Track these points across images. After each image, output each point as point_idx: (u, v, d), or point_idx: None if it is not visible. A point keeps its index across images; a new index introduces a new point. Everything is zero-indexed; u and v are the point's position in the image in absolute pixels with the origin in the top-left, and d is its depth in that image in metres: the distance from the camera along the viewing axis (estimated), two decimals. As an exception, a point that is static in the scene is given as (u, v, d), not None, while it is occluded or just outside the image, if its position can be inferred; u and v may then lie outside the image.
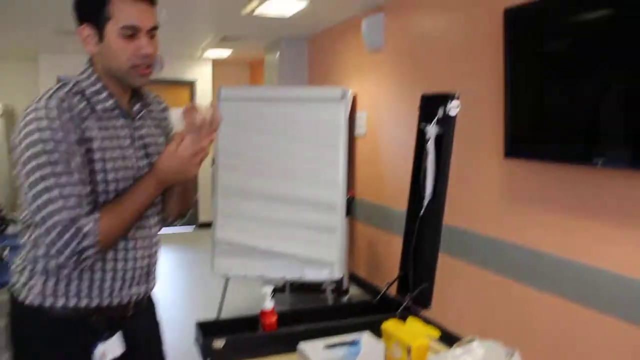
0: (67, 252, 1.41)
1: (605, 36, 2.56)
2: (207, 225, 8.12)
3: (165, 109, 1.85)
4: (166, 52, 7.90)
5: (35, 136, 1.40)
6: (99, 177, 1.49)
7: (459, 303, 3.83)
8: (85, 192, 1.44)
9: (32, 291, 1.52)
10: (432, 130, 2.05)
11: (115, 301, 1.59)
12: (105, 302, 1.57)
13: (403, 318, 1.85)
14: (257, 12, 4.95)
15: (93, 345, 1.55)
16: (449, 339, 1.80)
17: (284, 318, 1.91)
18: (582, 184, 2.84)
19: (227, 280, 4.20)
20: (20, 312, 1.56)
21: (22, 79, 7.90)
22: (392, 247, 4.75)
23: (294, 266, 3.87)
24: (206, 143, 1.51)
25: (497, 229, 3.46)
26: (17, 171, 1.46)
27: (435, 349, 1.71)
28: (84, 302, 1.54)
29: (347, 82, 5.63)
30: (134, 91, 1.66)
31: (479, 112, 3.56)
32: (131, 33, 1.50)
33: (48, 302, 1.52)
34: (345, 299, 5.11)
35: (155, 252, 1.73)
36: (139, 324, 1.69)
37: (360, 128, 5.39)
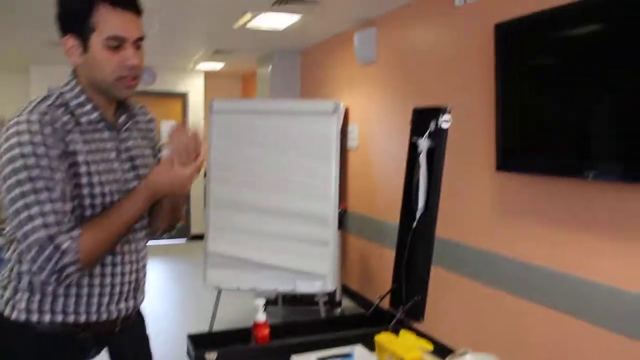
0: (47, 269, 1.38)
1: (596, 50, 2.59)
2: (199, 237, 8.08)
3: (151, 120, 1.82)
4: (158, 64, 7.94)
5: (16, 151, 1.37)
6: (85, 191, 1.46)
7: (451, 315, 3.83)
8: (67, 208, 1.41)
9: (17, 307, 1.48)
10: (424, 143, 2.07)
11: (103, 317, 1.55)
12: (93, 318, 1.53)
13: (396, 331, 1.85)
14: (249, 25, 4.98)
15: None
16: (442, 351, 1.80)
17: (276, 331, 1.91)
18: (573, 196, 2.86)
19: (219, 292, 4.19)
20: (5, 327, 1.51)
21: (14, 89, 7.89)
22: (384, 259, 4.75)
23: (286, 278, 3.87)
24: (198, 161, 1.50)
25: (489, 242, 3.47)
26: None
27: (428, 361, 1.71)
28: (71, 318, 1.50)
29: (339, 95, 5.65)
30: (120, 102, 1.62)
31: (471, 125, 3.58)
32: (117, 44, 1.46)
33: (34, 318, 1.48)
34: (337, 311, 5.10)
35: (143, 266, 1.70)
36: (127, 340, 1.67)
37: (352, 141, 5.41)
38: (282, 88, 6.80)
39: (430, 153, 2.07)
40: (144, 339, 1.81)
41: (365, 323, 2.09)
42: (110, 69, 1.47)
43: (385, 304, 2.18)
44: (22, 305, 1.48)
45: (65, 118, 1.46)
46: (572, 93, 2.74)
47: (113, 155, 1.55)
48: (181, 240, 8.62)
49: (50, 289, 1.47)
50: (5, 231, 1.50)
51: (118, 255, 1.56)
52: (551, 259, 2.99)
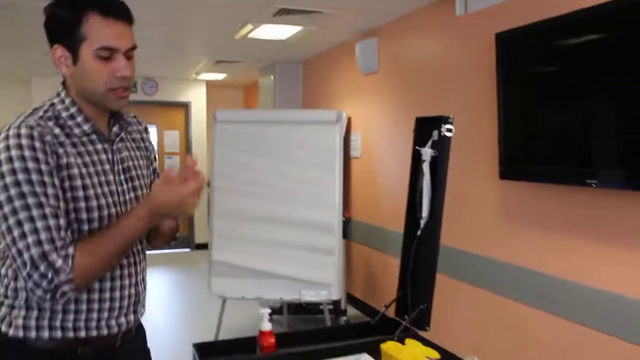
0: (41, 288, 1.34)
1: (597, 59, 2.61)
2: (203, 246, 8.10)
3: (145, 130, 1.77)
4: (161, 74, 7.99)
5: (5, 167, 1.33)
6: (82, 204, 1.43)
7: (457, 323, 3.83)
8: (61, 223, 1.37)
9: (14, 323, 1.44)
10: (427, 152, 2.08)
11: (103, 332, 1.51)
12: (93, 334, 1.49)
13: (402, 339, 1.86)
14: (251, 36, 5.01)
15: None
16: (448, 359, 1.81)
17: (282, 339, 1.92)
18: (576, 204, 2.87)
19: (224, 301, 4.20)
20: (3, 344, 1.46)
21: (16, 100, 7.94)
22: (389, 267, 4.75)
23: (291, 287, 3.87)
24: (198, 178, 1.44)
25: (493, 249, 3.48)
26: None
27: (434, 369, 1.72)
28: (70, 334, 1.46)
29: (341, 105, 5.67)
30: (112, 113, 1.58)
31: (473, 134, 3.60)
32: (108, 55, 1.43)
33: (32, 334, 1.44)
34: (343, 319, 5.10)
35: (143, 279, 1.66)
36: (128, 354, 1.63)
37: (355, 150, 5.43)
38: (284, 98, 6.83)
39: (434, 162, 2.08)
40: (145, 353, 1.77)
41: (371, 331, 2.10)
42: (101, 80, 1.44)
43: (391, 312, 2.18)
44: (20, 321, 1.44)
45: (57, 131, 1.43)
46: (574, 101, 2.75)
47: (107, 167, 1.52)
48: (185, 250, 8.63)
49: (47, 304, 1.43)
50: (0, 247, 1.46)
51: (117, 269, 1.52)
52: (555, 266, 3.00)
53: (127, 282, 1.56)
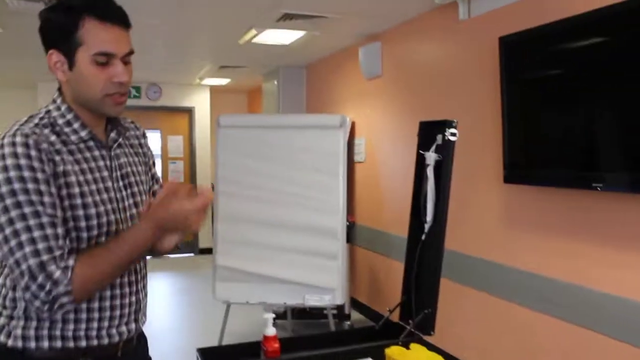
0: (39, 299, 1.32)
1: (601, 62, 2.60)
2: (208, 251, 8.10)
3: (143, 135, 1.75)
4: (164, 80, 8.01)
5: (0, 177, 1.31)
6: (80, 212, 1.40)
7: (461, 328, 3.82)
8: (58, 233, 1.34)
9: (13, 334, 1.42)
10: (431, 156, 2.08)
11: (104, 341, 1.48)
12: (94, 343, 1.46)
13: (406, 344, 1.86)
14: (255, 40, 5.02)
15: None
16: (452, 364, 1.81)
17: (286, 344, 1.92)
18: (581, 208, 2.86)
19: (228, 306, 4.20)
20: (2, 354, 1.43)
21: (22, 106, 7.93)
22: (393, 272, 4.75)
23: (295, 292, 3.87)
24: (205, 195, 1.42)
25: (497, 253, 3.47)
26: None
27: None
28: (70, 344, 1.43)
29: (345, 109, 5.68)
30: (109, 119, 1.56)
31: (477, 137, 3.59)
32: (105, 60, 1.40)
33: (32, 345, 1.41)
34: (347, 324, 5.10)
35: (144, 286, 1.64)
36: None
37: (359, 154, 5.43)
38: (288, 103, 6.84)
39: (438, 166, 2.08)
40: None
41: (375, 336, 2.09)
42: (98, 86, 1.42)
43: (395, 316, 2.18)
44: (19, 332, 1.41)
45: (53, 138, 1.40)
46: (578, 105, 2.75)
47: (106, 173, 1.50)
48: (189, 254, 8.64)
49: (45, 315, 1.39)
50: None
51: (117, 277, 1.49)
52: (560, 270, 2.99)
53: (127, 290, 1.53)
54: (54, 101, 1.48)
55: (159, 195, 1.44)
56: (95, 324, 1.46)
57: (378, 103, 5.04)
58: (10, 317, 1.43)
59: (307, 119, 4.46)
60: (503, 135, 3.18)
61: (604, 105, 2.64)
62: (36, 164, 1.33)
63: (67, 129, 1.44)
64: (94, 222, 1.42)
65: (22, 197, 1.31)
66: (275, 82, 6.90)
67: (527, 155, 3.12)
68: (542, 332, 3.12)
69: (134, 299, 1.56)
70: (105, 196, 1.47)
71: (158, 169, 7.46)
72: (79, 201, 1.40)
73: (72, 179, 1.40)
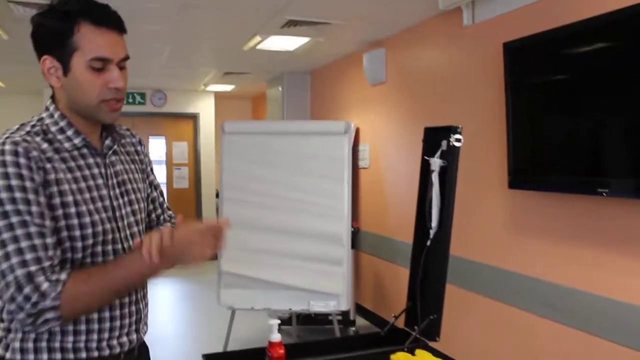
0: (24, 311, 1.27)
1: (605, 67, 2.60)
2: (212, 257, 8.11)
3: (139, 142, 1.71)
4: (169, 86, 8.04)
5: None
6: (74, 221, 1.36)
7: (467, 334, 3.81)
8: (47, 243, 1.30)
9: (11, 346, 1.38)
10: (436, 162, 2.08)
11: (105, 353, 1.44)
12: (94, 355, 1.43)
13: (412, 350, 1.86)
14: (259, 47, 5.04)
15: None
16: (457, 370, 1.81)
17: (291, 350, 1.91)
18: (586, 213, 2.85)
19: (233, 312, 4.20)
20: None
21: (28, 111, 7.97)
22: (398, 278, 4.74)
23: (300, 298, 3.87)
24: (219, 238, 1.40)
25: (503, 259, 3.46)
26: None
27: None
28: (70, 356, 1.40)
29: (349, 115, 5.69)
30: (104, 126, 1.52)
31: (482, 143, 3.59)
32: (101, 65, 1.38)
33: (30, 357, 1.38)
34: (352, 330, 5.09)
35: (144, 296, 1.60)
36: None
37: (364, 160, 5.43)
38: (292, 109, 6.86)
39: (443, 172, 2.08)
40: None
41: (381, 342, 2.09)
42: (94, 92, 1.39)
43: (400, 322, 2.18)
44: (17, 344, 1.37)
45: (44, 146, 1.36)
46: (583, 110, 2.75)
47: (100, 181, 1.46)
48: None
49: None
50: None
51: None
52: (565, 276, 2.98)
53: (127, 300, 1.50)
54: (47, 108, 1.45)
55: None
56: (95, 335, 1.43)
57: (382, 109, 5.04)
58: (8, 330, 1.39)
59: (312, 125, 4.47)
60: (508, 141, 3.18)
61: (608, 110, 2.63)
62: (25, 172, 1.29)
63: (60, 136, 1.41)
64: (89, 230, 1.39)
65: (9, 207, 1.28)
66: (280, 88, 6.92)
67: (531, 160, 3.11)
68: (547, 337, 3.11)
69: (134, 308, 1.53)
70: (99, 204, 1.43)
71: (163, 175, 7.50)
72: (72, 210, 1.36)
73: (65, 187, 1.36)
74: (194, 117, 8.73)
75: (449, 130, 2.06)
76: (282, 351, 1.87)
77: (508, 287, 3.40)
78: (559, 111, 2.88)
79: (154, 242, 1.32)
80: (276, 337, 1.86)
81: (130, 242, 1.52)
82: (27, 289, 1.27)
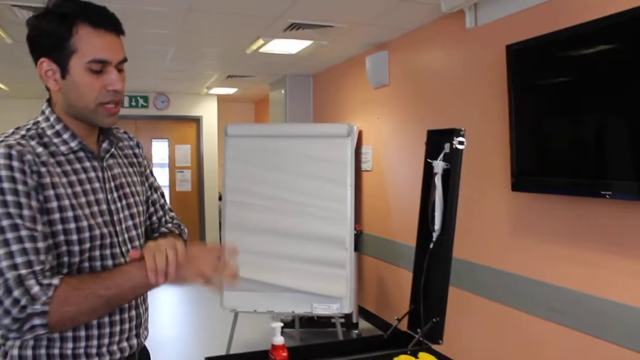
0: (10, 316, 1.23)
1: (609, 69, 2.60)
2: (214, 260, 8.11)
3: (137, 145, 1.71)
4: (172, 89, 8.06)
5: None
6: (72, 225, 1.35)
7: (470, 336, 3.81)
8: (38, 247, 1.28)
9: (10, 353, 1.36)
10: (439, 165, 2.08)
11: (105, 359, 1.43)
12: None
13: (415, 353, 1.85)
14: (262, 50, 5.05)
15: None
16: (460, 373, 1.80)
17: (294, 353, 1.92)
18: (589, 215, 2.85)
19: (236, 315, 4.20)
20: None
21: (32, 115, 7.92)
22: (400, 281, 4.74)
23: (303, 301, 3.87)
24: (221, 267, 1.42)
25: (506, 262, 3.46)
26: None
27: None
28: None
29: (352, 118, 5.69)
30: (101, 129, 1.51)
31: (485, 146, 3.59)
32: (99, 68, 1.36)
33: None
34: (354, 333, 5.09)
35: (144, 300, 1.58)
36: None
37: (367, 163, 5.43)
38: (295, 112, 6.86)
39: (446, 174, 2.08)
40: None
41: (384, 345, 2.09)
42: (92, 95, 1.38)
43: (403, 325, 2.18)
44: (15, 352, 1.36)
45: (39, 150, 1.35)
46: (586, 112, 2.74)
47: (97, 185, 1.45)
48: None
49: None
50: None
51: None
52: (569, 278, 2.98)
53: (126, 305, 1.48)
54: (43, 112, 1.45)
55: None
56: (95, 341, 1.41)
57: (385, 112, 5.04)
58: (6, 338, 1.36)
59: (315, 128, 4.48)
60: (511, 143, 3.17)
61: (611, 112, 2.63)
62: (17, 175, 1.28)
63: (56, 140, 1.40)
64: (86, 234, 1.37)
65: (0, 210, 1.26)
66: (283, 91, 6.93)
67: (535, 163, 3.11)
68: (550, 340, 3.10)
69: (133, 313, 1.51)
70: (95, 209, 1.42)
71: (166, 178, 7.50)
72: (70, 214, 1.35)
73: (61, 191, 1.34)
74: (197, 120, 8.74)
75: (452, 133, 2.07)
76: (285, 354, 1.87)
77: (511, 290, 3.40)
78: (562, 113, 2.88)
79: (159, 264, 1.32)
80: (279, 339, 1.87)
81: (129, 246, 1.50)
82: (16, 292, 1.23)
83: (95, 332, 1.41)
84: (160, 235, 1.70)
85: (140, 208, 1.60)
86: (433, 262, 2.12)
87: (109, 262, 1.44)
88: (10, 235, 1.26)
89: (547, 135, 3.00)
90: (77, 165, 1.42)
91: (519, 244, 3.36)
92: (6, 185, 1.27)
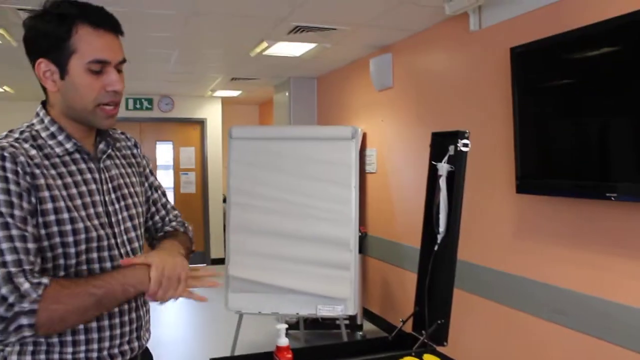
0: None
1: (613, 71, 2.60)
2: (219, 261, 8.14)
3: (135, 145, 1.69)
4: (177, 92, 8.07)
5: None
6: (67, 227, 1.33)
7: (475, 338, 3.80)
8: (28, 247, 1.26)
9: (9, 359, 1.34)
10: (443, 167, 2.09)
11: None
12: None
13: (419, 355, 1.86)
14: (266, 53, 5.06)
15: None
16: (465, 374, 1.81)
17: (299, 354, 1.92)
18: (594, 218, 2.85)
19: (240, 316, 4.20)
20: None
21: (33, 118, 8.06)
22: (405, 282, 4.74)
23: (307, 303, 3.87)
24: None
25: (510, 264, 3.46)
26: None
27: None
28: None
29: (356, 120, 5.70)
30: (98, 131, 1.50)
31: (490, 148, 3.59)
32: (99, 68, 1.35)
33: None
34: (359, 334, 5.09)
35: (144, 302, 1.56)
36: None
37: (371, 165, 5.44)
38: (299, 114, 6.87)
39: (450, 177, 2.08)
40: None
41: (388, 347, 2.09)
42: (91, 95, 1.37)
43: (408, 327, 2.18)
44: (14, 357, 1.34)
45: (33, 152, 1.34)
46: (590, 114, 2.74)
47: (93, 186, 1.43)
48: (201, 265, 8.66)
49: (42, 338, 1.33)
50: None
51: None
52: (573, 280, 2.98)
53: (126, 307, 1.47)
54: (37, 114, 1.43)
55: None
56: (95, 345, 1.39)
57: (389, 114, 5.05)
58: (5, 344, 1.33)
59: (319, 131, 4.48)
60: (515, 146, 3.18)
61: (616, 114, 2.63)
62: (10, 176, 1.27)
63: (50, 142, 1.39)
64: (82, 236, 1.36)
65: None
66: (287, 94, 6.94)
67: (539, 165, 3.11)
68: (555, 342, 3.10)
69: (134, 315, 1.50)
70: (92, 211, 1.40)
71: (170, 180, 7.50)
72: (65, 215, 1.33)
73: (56, 193, 1.33)
74: (201, 123, 8.76)
75: (457, 135, 2.07)
76: (289, 355, 1.87)
77: (516, 292, 3.39)
78: (566, 115, 2.88)
79: (163, 290, 1.37)
80: (284, 341, 1.87)
81: (128, 248, 1.50)
82: (4, 290, 1.21)
83: (95, 335, 1.39)
84: (166, 235, 1.70)
85: (140, 209, 1.59)
86: (438, 264, 2.12)
87: (107, 265, 1.43)
88: (0, 233, 1.24)
89: (552, 137, 3.00)
90: (73, 167, 1.41)
91: (523, 246, 3.36)
92: None
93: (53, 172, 1.36)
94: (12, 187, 1.26)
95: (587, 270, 2.90)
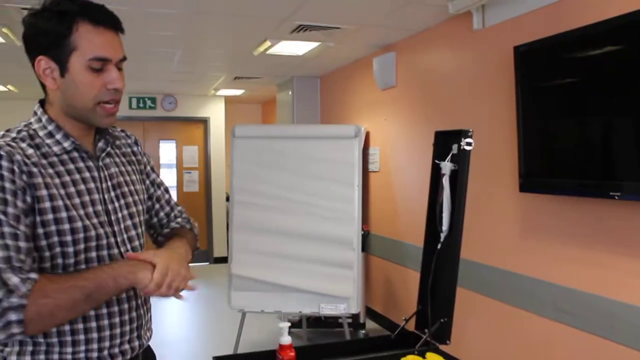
0: None
1: (617, 70, 2.60)
2: (222, 260, 8.15)
3: (135, 142, 1.68)
4: (180, 90, 8.08)
5: None
6: (66, 226, 1.32)
7: (477, 337, 3.80)
8: (19, 246, 1.25)
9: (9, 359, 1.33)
10: (447, 166, 2.09)
11: None
12: None
13: (422, 353, 1.86)
14: (269, 52, 5.06)
15: None
16: (468, 373, 1.81)
17: (301, 353, 1.92)
18: (597, 216, 2.84)
19: (243, 315, 4.21)
20: None
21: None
22: (408, 281, 4.74)
23: (310, 301, 3.87)
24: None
25: (513, 263, 3.46)
26: None
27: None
28: None
29: (359, 119, 5.69)
30: (98, 129, 1.49)
31: (493, 146, 3.59)
32: (100, 66, 1.34)
33: None
34: (362, 333, 5.09)
35: (145, 301, 1.55)
36: None
37: (374, 164, 5.44)
38: (302, 113, 6.87)
39: (454, 175, 2.08)
40: None
41: (391, 345, 2.10)
42: (92, 93, 1.35)
43: (411, 326, 2.18)
44: (13, 358, 1.33)
45: (30, 151, 1.33)
46: (594, 113, 2.74)
47: (92, 185, 1.42)
48: (204, 264, 8.67)
49: (41, 338, 1.32)
50: None
51: None
52: (577, 279, 2.97)
53: (126, 306, 1.45)
54: (35, 113, 1.42)
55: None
56: (95, 345, 1.38)
57: (392, 113, 5.05)
58: (4, 344, 1.33)
59: (322, 130, 4.48)
60: (519, 144, 3.17)
61: (619, 113, 2.62)
62: (6, 174, 1.25)
63: (48, 141, 1.38)
64: (80, 235, 1.34)
65: None
66: (290, 93, 6.94)
67: (543, 163, 3.11)
68: (559, 341, 3.09)
69: (134, 314, 1.48)
70: (90, 209, 1.39)
71: (173, 179, 7.51)
72: (64, 214, 1.32)
73: (54, 191, 1.32)
74: (204, 121, 8.76)
75: (460, 134, 2.07)
76: (292, 354, 1.88)
77: (519, 290, 3.39)
78: (570, 114, 2.88)
79: (159, 293, 1.36)
80: (286, 339, 1.87)
81: (128, 246, 1.48)
82: None
83: (94, 335, 1.38)
84: (173, 232, 1.70)
85: (140, 207, 1.58)
86: (441, 262, 2.12)
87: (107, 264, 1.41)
88: None
89: (555, 136, 3.00)
90: (71, 166, 1.40)
91: (526, 245, 3.35)
92: None
93: (51, 170, 1.34)
94: (7, 184, 1.25)
95: (591, 269, 2.90)
